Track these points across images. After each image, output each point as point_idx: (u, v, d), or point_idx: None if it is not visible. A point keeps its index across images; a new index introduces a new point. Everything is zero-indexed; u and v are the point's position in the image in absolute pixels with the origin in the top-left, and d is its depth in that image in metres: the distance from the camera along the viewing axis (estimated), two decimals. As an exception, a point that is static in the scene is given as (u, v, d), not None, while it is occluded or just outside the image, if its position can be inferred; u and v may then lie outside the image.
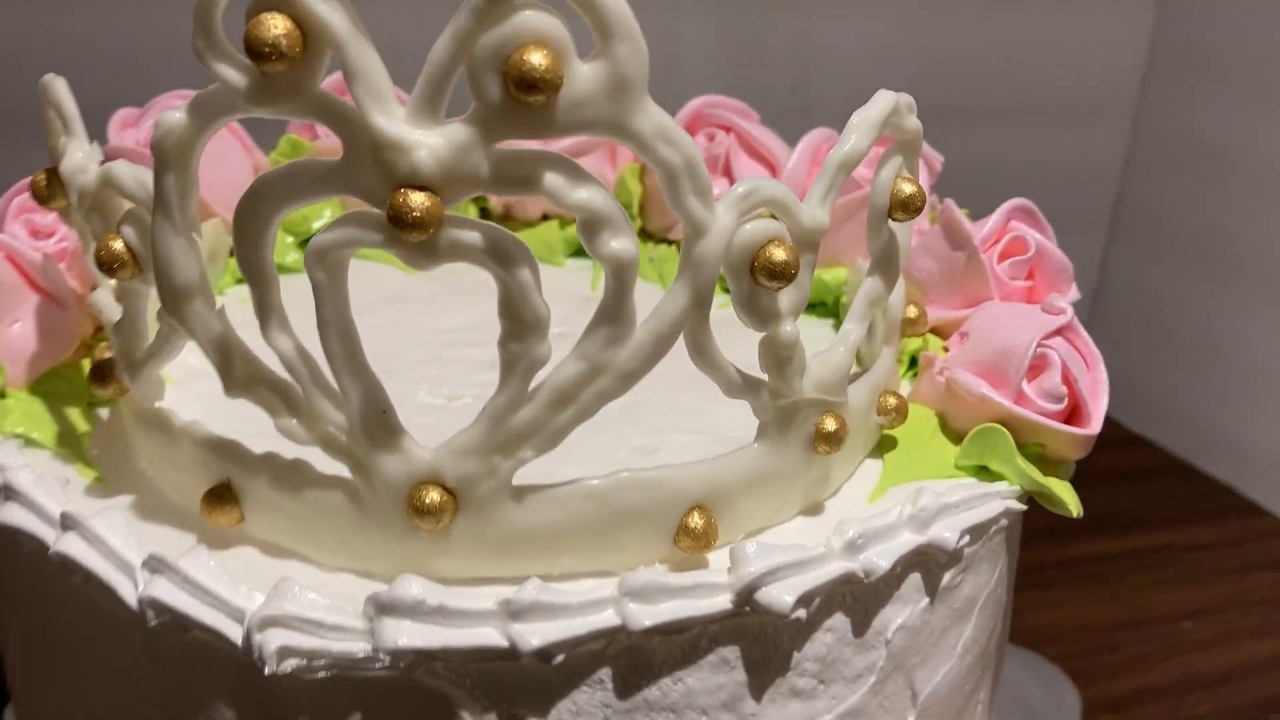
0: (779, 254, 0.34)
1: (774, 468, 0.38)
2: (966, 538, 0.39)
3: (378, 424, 0.34)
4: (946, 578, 0.40)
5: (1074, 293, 0.48)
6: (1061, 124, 0.98)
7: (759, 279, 0.34)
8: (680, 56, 0.90)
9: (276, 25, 0.29)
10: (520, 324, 0.33)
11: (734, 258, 0.34)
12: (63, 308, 0.47)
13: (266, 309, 0.34)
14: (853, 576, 0.36)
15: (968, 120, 0.95)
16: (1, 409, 0.44)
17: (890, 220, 0.39)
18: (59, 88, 0.41)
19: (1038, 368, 0.42)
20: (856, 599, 0.38)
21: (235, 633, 0.33)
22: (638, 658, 0.35)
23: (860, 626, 0.38)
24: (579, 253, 0.63)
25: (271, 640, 0.32)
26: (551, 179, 0.32)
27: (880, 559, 0.37)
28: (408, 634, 0.32)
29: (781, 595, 0.35)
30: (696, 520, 0.36)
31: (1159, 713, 0.65)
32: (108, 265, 0.35)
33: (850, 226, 0.54)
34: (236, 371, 0.36)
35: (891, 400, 0.42)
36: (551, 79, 0.30)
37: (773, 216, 0.35)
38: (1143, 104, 0.97)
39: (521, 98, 0.30)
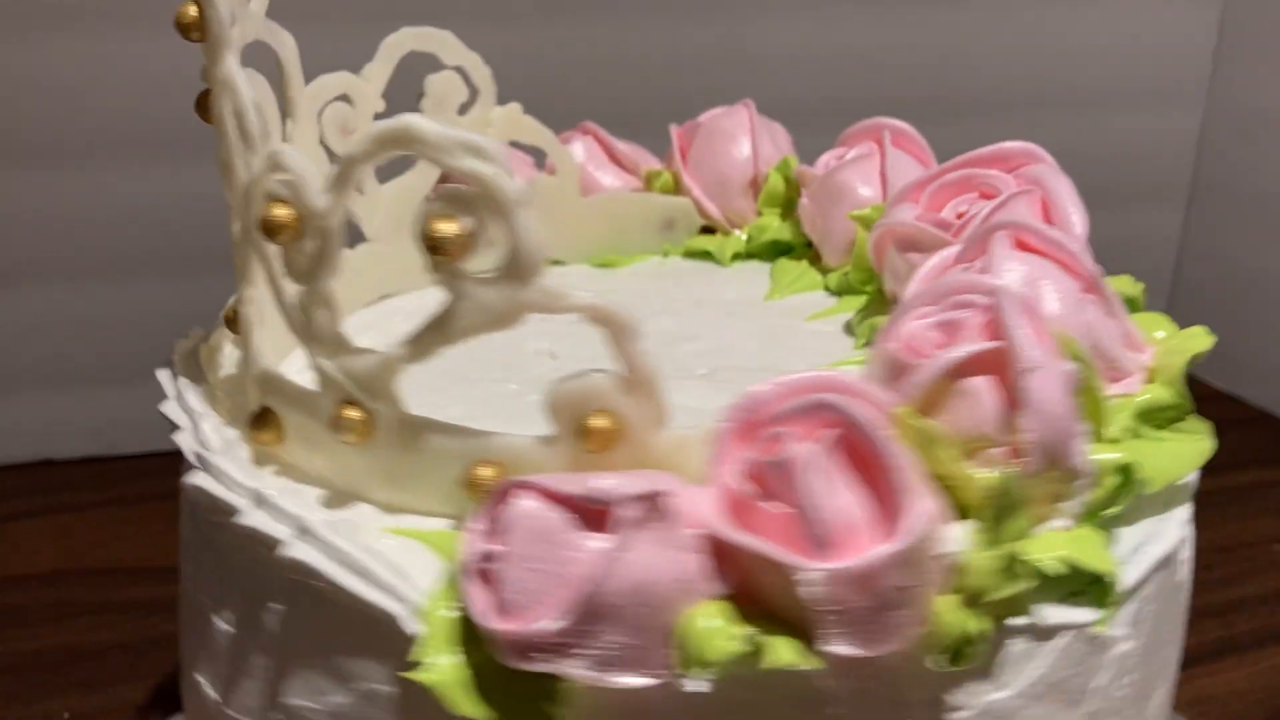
0: (272, 211, 0.35)
1: (313, 427, 0.38)
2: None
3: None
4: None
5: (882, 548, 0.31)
6: (1138, 105, 0.97)
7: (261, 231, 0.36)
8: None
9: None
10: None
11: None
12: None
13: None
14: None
15: (1051, 107, 0.94)
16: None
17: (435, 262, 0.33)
18: None
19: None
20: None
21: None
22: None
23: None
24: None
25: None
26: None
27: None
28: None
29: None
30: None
31: (1256, 617, 0.70)
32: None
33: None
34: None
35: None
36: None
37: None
38: (1214, 82, 0.98)
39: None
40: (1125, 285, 0.46)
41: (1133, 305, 0.46)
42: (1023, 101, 0.94)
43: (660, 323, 0.53)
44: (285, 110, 0.50)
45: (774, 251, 0.59)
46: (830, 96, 0.86)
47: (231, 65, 0.37)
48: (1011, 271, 0.39)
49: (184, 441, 0.41)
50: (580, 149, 0.63)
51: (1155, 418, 0.39)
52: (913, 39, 0.89)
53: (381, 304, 0.56)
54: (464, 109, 0.58)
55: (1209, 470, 0.87)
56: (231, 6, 0.39)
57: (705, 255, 0.60)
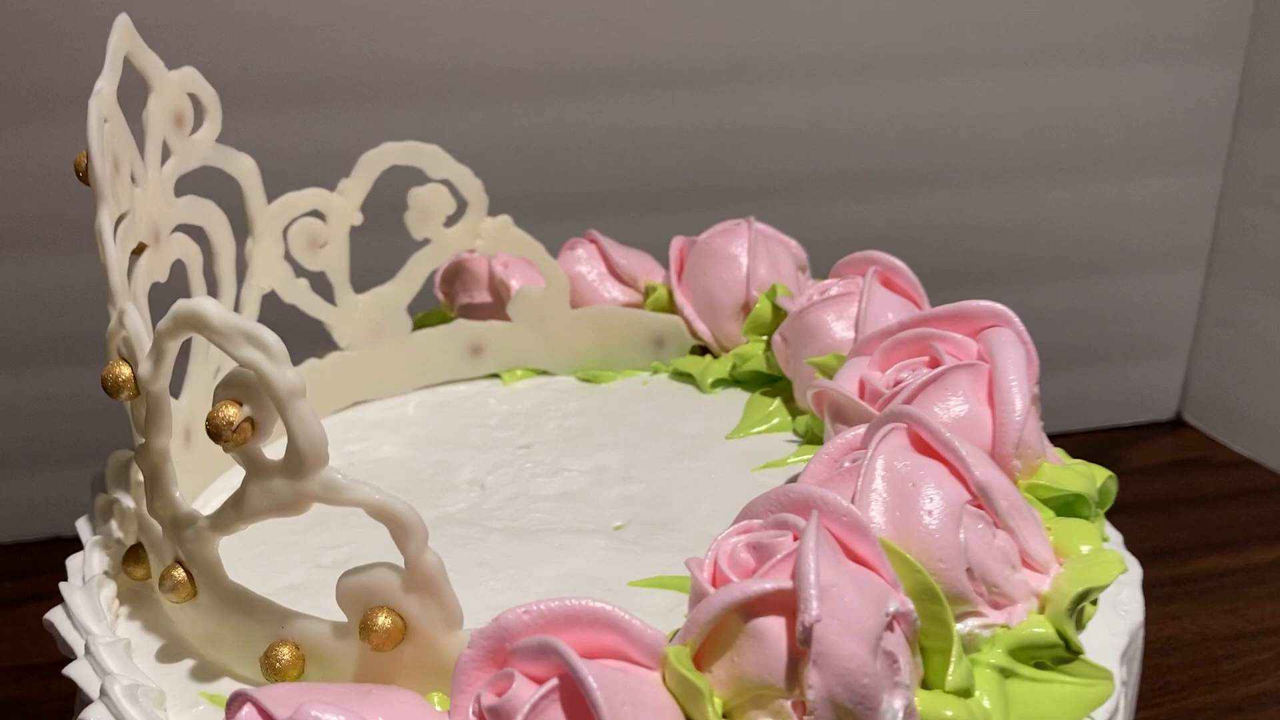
0: (115, 369, 0.37)
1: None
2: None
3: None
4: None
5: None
6: (1157, 169, 0.91)
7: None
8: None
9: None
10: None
11: None
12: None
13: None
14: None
15: (1070, 171, 0.89)
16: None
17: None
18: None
19: None
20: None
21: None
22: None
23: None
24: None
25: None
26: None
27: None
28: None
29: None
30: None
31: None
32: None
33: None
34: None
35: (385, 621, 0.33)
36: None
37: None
38: (1234, 145, 0.93)
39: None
40: (1078, 481, 0.41)
41: (1078, 506, 0.40)
42: (1041, 166, 0.89)
43: (605, 457, 0.51)
44: (247, 228, 0.51)
45: (758, 381, 0.56)
46: (844, 169, 0.83)
47: (102, 220, 0.38)
48: (878, 479, 0.35)
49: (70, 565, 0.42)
50: (583, 259, 0.61)
51: (1036, 655, 0.34)
52: (930, 107, 0.84)
53: (347, 412, 0.56)
54: (452, 221, 0.57)
55: (1230, 548, 0.82)
56: (115, 164, 0.39)
57: (690, 378, 0.58)
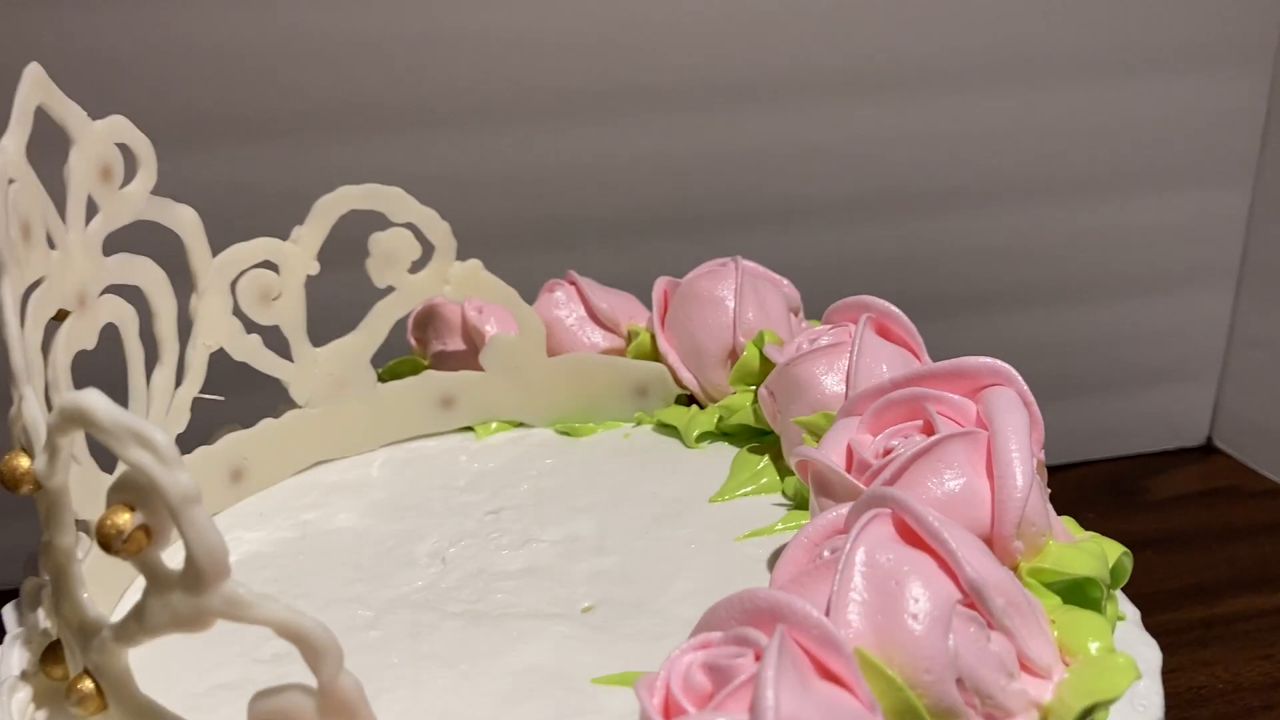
0: (14, 460, 0.33)
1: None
2: None
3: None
4: None
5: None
6: (1184, 184, 0.87)
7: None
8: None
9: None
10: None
11: None
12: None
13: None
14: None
15: (1095, 188, 0.85)
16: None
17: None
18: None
19: None
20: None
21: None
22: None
23: None
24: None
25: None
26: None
27: None
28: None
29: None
30: None
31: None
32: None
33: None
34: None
35: None
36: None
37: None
38: (1263, 159, 0.89)
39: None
40: (1087, 562, 0.37)
41: (1088, 589, 0.36)
42: (1062, 184, 0.84)
43: (578, 524, 0.47)
44: (191, 284, 0.48)
45: (746, 435, 0.52)
46: (851, 192, 0.79)
47: (3, 293, 0.35)
48: (857, 576, 0.32)
49: None
50: (562, 302, 0.58)
51: (1038, 779, 0.31)
52: (942, 125, 0.80)
53: (307, 474, 0.53)
54: (418, 266, 0.54)
55: (1266, 586, 0.75)
56: (25, 228, 0.36)
57: (674, 430, 0.54)
